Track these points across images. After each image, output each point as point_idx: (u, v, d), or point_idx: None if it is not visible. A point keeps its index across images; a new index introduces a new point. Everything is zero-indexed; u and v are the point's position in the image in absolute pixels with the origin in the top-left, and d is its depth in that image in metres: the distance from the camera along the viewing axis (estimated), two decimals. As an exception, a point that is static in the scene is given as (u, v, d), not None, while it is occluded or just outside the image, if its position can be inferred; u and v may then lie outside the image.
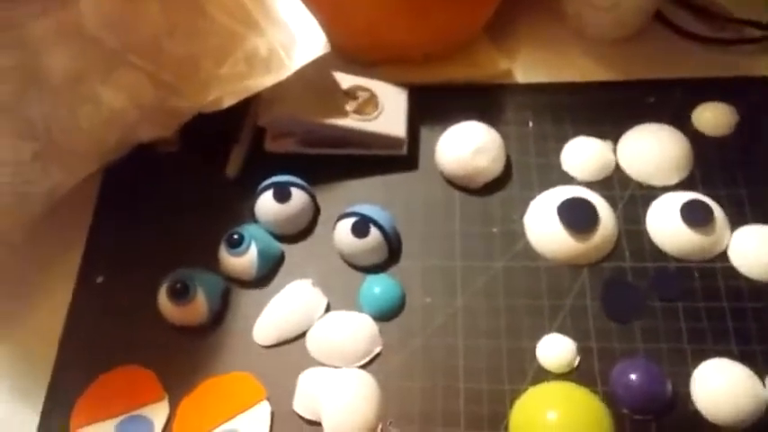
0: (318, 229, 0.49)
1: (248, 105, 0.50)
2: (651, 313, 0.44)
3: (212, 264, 0.47)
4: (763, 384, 0.41)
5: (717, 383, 0.40)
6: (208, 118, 0.47)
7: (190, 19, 0.46)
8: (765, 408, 0.40)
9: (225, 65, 0.47)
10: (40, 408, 0.44)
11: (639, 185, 0.49)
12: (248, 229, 0.46)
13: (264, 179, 0.48)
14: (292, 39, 0.47)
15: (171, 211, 0.50)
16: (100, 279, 0.48)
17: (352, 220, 0.46)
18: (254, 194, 0.48)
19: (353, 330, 0.44)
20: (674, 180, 0.48)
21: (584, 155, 0.50)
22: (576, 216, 0.46)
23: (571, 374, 0.42)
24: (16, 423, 0.43)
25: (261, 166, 0.50)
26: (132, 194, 0.51)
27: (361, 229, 0.45)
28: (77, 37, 0.43)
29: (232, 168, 0.51)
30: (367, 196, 0.49)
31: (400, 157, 0.51)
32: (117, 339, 0.45)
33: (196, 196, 0.51)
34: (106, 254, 0.49)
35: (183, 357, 0.44)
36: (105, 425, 0.42)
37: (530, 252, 0.47)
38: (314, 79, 0.49)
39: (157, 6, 0.44)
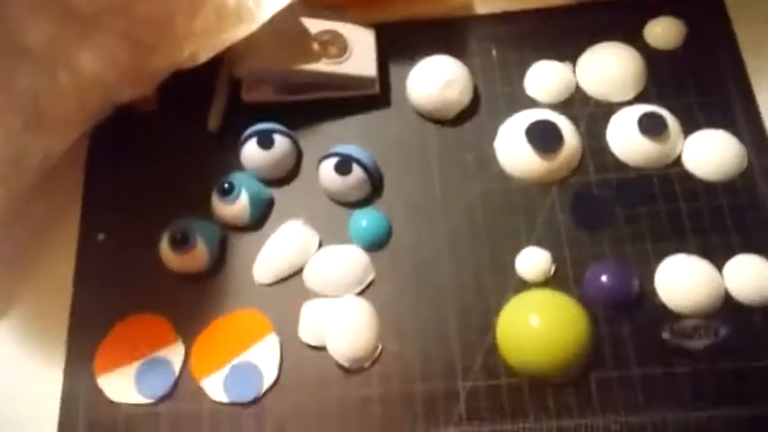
0: (303, 172, 0.51)
1: (222, 58, 0.51)
2: (616, 220, 0.48)
3: (206, 213, 0.49)
4: (721, 273, 0.45)
5: (678, 277, 0.45)
6: (184, 74, 0.49)
7: (158, -23, 0.46)
8: (723, 294, 0.45)
9: (196, 20, 0.48)
10: (62, 362, 0.46)
11: (599, 103, 0.52)
12: (237, 177, 0.49)
13: (245, 129, 0.50)
14: (259, -11, 0.48)
15: (159, 167, 0.52)
16: (101, 237, 0.50)
17: (334, 159, 0.48)
18: (237, 144, 0.50)
19: (347, 262, 0.47)
20: (630, 95, 0.52)
21: (545, 78, 0.52)
22: (543, 137, 0.49)
23: (548, 282, 0.46)
24: (42, 377, 0.46)
25: (240, 116, 0.52)
26: (119, 154, 0.53)
27: (343, 167, 0.48)
28: (51, 5, 0.44)
29: (213, 121, 0.53)
30: (345, 136, 0.52)
31: (373, 96, 0.53)
32: (125, 291, 0.48)
33: (182, 151, 0.52)
34: (103, 212, 0.51)
35: (190, 302, 0.47)
36: (127, 369, 0.45)
37: (502, 175, 0.50)
38: (284, 27, 0.50)
39: (126, -32, 0.45)
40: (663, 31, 0.53)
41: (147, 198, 0.51)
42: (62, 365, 0.46)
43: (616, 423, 0.43)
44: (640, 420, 0.42)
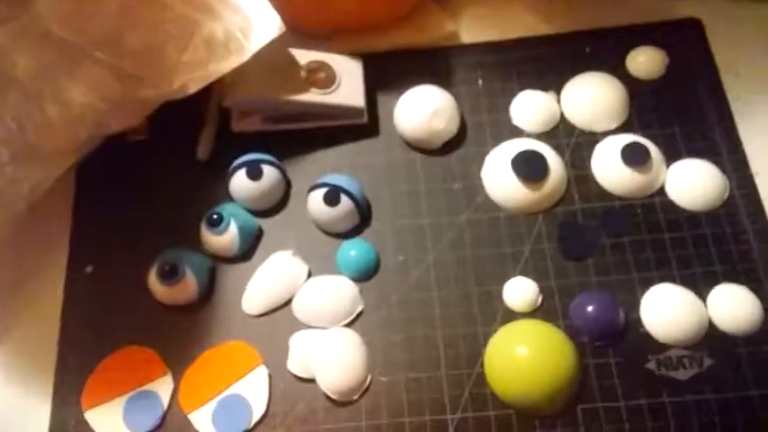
0: (292, 202, 0.52)
1: (211, 88, 0.51)
2: (602, 250, 0.48)
3: (195, 244, 0.49)
4: (704, 303, 0.46)
5: (662, 307, 0.45)
6: (174, 104, 0.49)
7: (148, 10, 0.47)
8: (707, 324, 0.45)
9: (186, 52, 0.48)
10: (50, 396, 0.46)
11: (583, 132, 0.53)
12: (226, 208, 0.49)
13: (234, 158, 0.50)
14: (248, 22, 0.49)
15: (148, 197, 0.52)
16: (89, 269, 0.50)
17: (323, 190, 0.49)
18: (226, 174, 0.50)
19: (335, 293, 0.47)
20: (613, 125, 0.52)
21: (531, 108, 0.53)
22: (529, 167, 0.49)
23: (536, 312, 0.47)
24: (30, 411, 0.46)
25: (229, 145, 0.52)
26: (109, 184, 0.53)
27: (332, 198, 0.48)
28: (39, 38, 0.44)
29: (202, 151, 0.53)
30: (334, 166, 0.52)
31: (362, 126, 0.53)
32: (114, 324, 0.48)
33: (171, 180, 0.52)
34: (92, 244, 0.51)
35: (179, 334, 0.47)
36: (115, 403, 0.45)
37: (489, 204, 0.51)
38: (273, 58, 0.50)
39: (115, 1, 0.46)
40: (645, 61, 0.54)
41: (136, 229, 0.51)
42: (50, 399, 0.46)
43: (603, 453, 0.43)
44: (627, 450, 0.43)
